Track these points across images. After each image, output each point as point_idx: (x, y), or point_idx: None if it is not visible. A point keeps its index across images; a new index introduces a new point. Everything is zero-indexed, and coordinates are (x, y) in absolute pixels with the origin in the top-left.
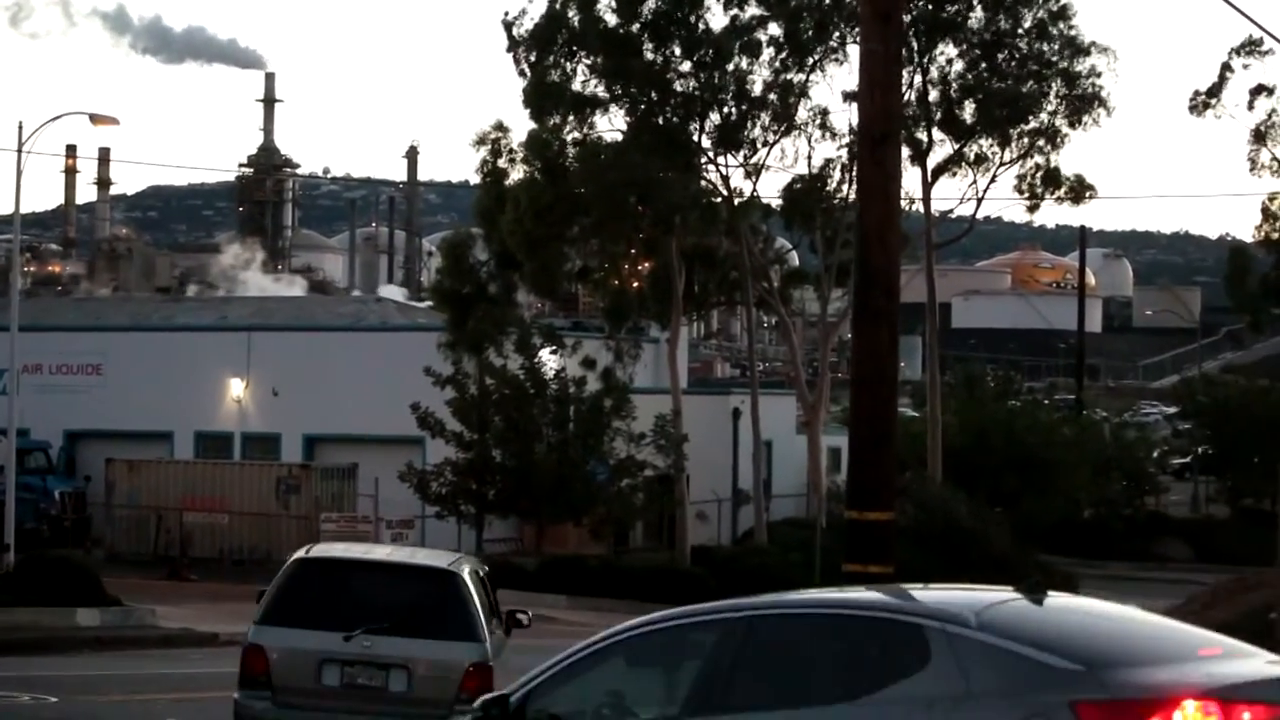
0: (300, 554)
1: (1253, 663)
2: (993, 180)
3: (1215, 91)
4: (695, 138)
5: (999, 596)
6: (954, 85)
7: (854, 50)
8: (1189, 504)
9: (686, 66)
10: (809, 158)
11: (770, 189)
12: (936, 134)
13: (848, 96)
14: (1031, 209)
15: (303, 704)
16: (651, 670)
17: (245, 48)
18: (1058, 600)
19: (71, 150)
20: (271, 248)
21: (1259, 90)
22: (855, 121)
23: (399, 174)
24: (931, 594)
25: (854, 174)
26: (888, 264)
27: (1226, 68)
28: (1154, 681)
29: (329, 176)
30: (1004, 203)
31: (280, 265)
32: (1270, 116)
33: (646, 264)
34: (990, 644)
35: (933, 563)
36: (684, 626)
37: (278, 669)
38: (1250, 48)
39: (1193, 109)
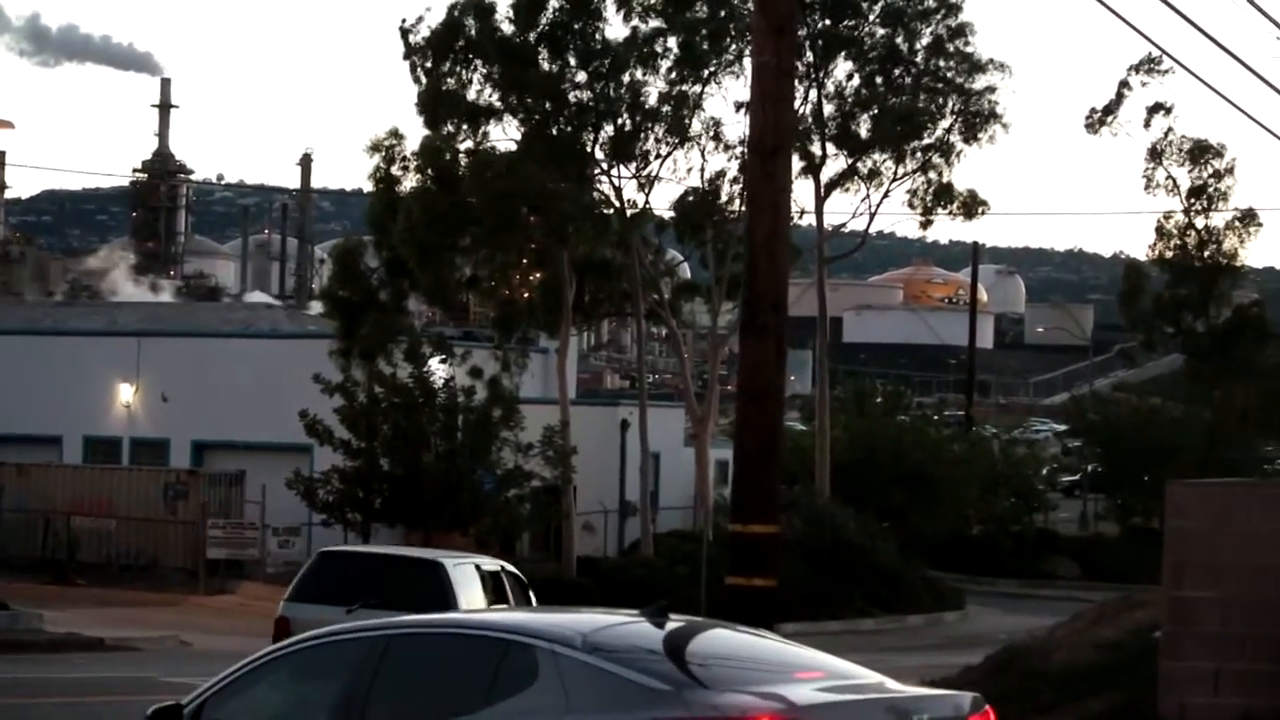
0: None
1: (846, 686)
2: (886, 195)
3: (1112, 109)
4: (589, 149)
5: (617, 620)
6: (849, 100)
7: (750, 63)
8: (1078, 522)
9: (582, 77)
10: (702, 170)
11: (663, 201)
12: (831, 148)
13: (740, 107)
14: (924, 224)
15: None
16: (312, 684)
17: (141, 52)
18: (677, 624)
19: None
20: (165, 253)
21: (1156, 108)
22: (748, 134)
23: (293, 181)
24: (553, 616)
25: (745, 187)
26: (776, 277)
27: (1124, 85)
28: (734, 702)
29: (223, 183)
30: (897, 217)
31: (172, 272)
32: (1166, 135)
33: (537, 274)
34: (592, 665)
35: (819, 577)
36: (339, 643)
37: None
38: (1149, 66)
39: (1089, 126)
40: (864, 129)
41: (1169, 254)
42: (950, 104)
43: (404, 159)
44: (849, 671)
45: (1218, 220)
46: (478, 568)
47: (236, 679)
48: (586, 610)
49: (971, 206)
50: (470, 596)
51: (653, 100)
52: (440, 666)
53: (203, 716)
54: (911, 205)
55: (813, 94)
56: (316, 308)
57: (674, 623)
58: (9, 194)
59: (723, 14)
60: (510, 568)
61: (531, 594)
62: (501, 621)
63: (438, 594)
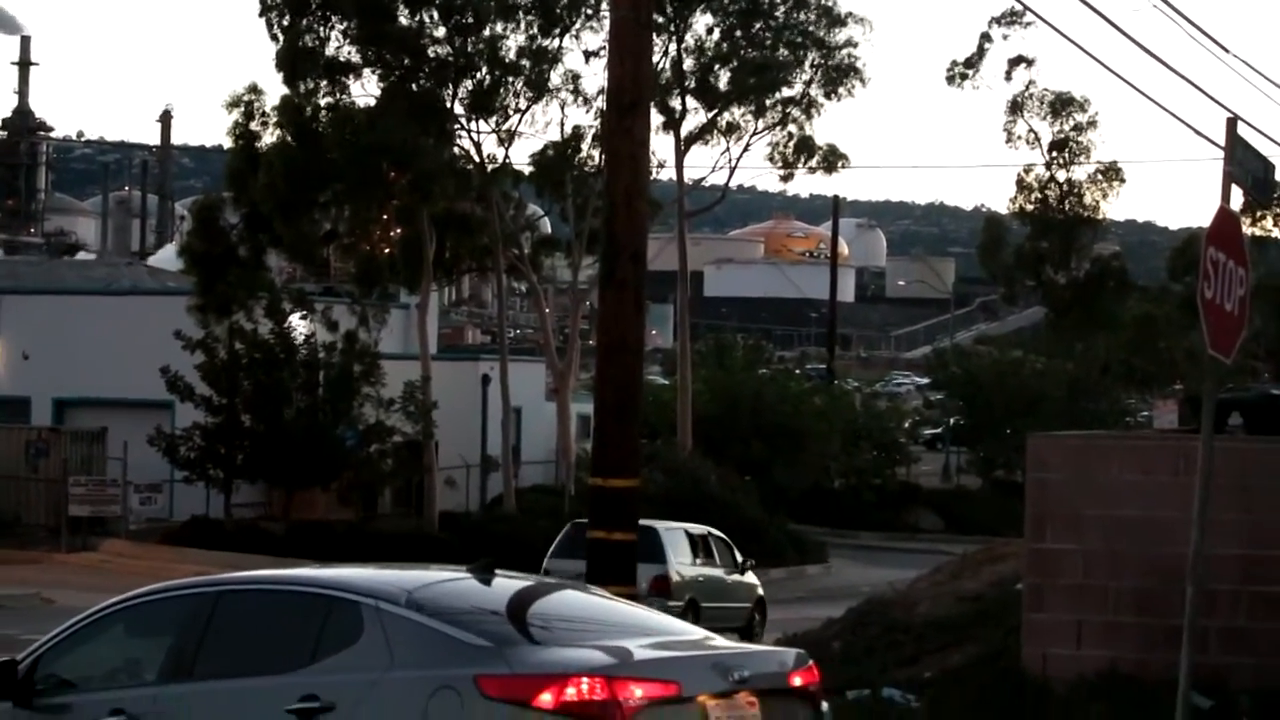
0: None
1: (674, 643)
2: (746, 149)
3: (973, 62)
4: (449, 104)
5: (443, 576)
6: (709, 53)
7: (608, 17)
8: (941, 475)
9: (442, 32)
10: (562, 124)
11: (523, 156)
12: (690, 102)
13: (592, 58)
14: (785, 178)
15: None
16: (145, 639)
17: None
18: (504, 581)
19: None
20: (25, 211)
21: (1017, 61)
22: (606, 88)
23: (153, 137)
24: (379, 573)
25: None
26: (635, 231)
27: (985, 38)
28: (554, 659)
29: (83, 140)
30: (757, 171)
31: (33, 229)
32: (1028, 88)
33: (398, 230)
34: (414, 620)
35: None
36: (171, 598)
37: None
38: (1010, 18)
39: (950, 79)
40: (724, 83)
41: (1030, 207)
42: (810, 58)
43: (264, 115)
44: (679, 630)
45: (1080, 174)
46: (686, 532)
47: (72, 634)
48: (414, 567)
49: (832, 160)
50: (680, 555)
51: (512, 55)
52: (268, 622)
53: (37, 672)
54: (772, 159)
55: (672, 47)
56: (174, 262)
57: (503, 579)
58: None
59: None
60: (715, 532)
61: (737, 553)
62: (327, 578)
63: (655, 554)
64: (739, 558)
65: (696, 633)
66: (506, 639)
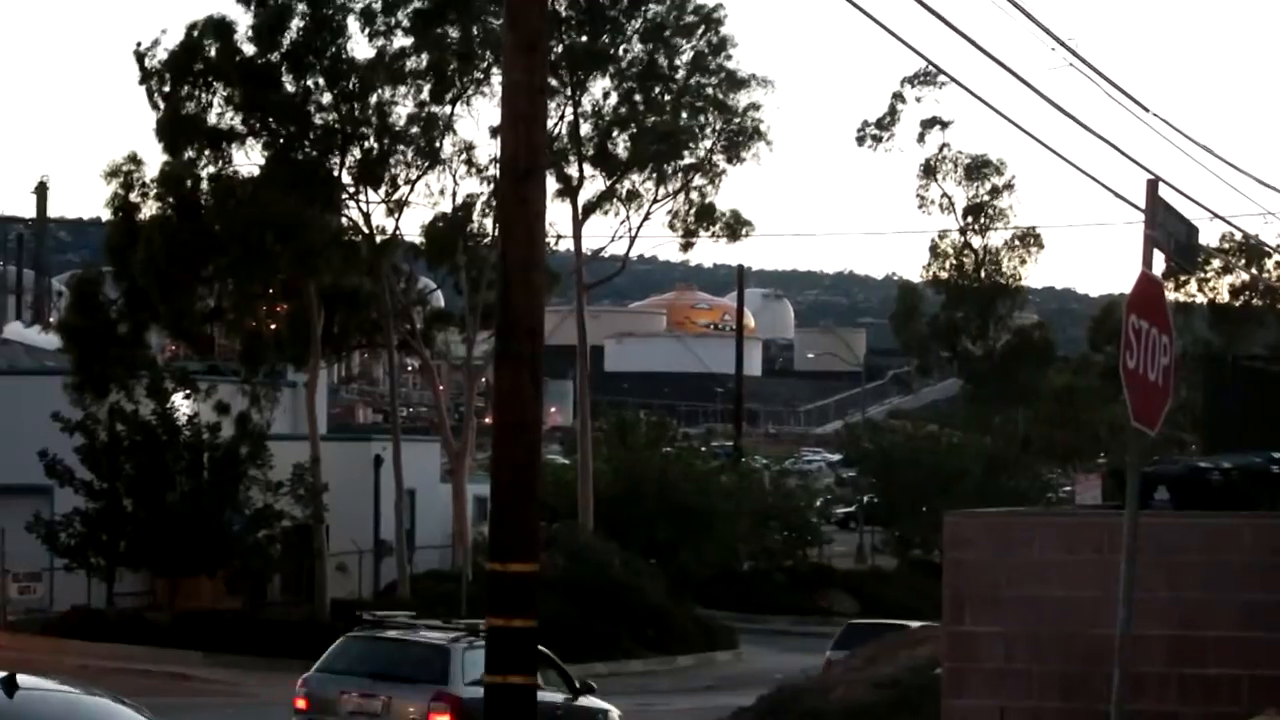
0: None
1: None
2: (647, 217)
3: (885, 123)
4: (336, 173)
5: None
6: (607, 119)
7: (501, 81)
8: (855, 555)
9: (328, 99)
10: (454, 194)
11: (414, 227)
12: (588, 169)
13: (494, 132)
14: (686, 246)
15: None
16: None
17: None
18: (28, 691)
19: None
20: None
21: (931, 123)
22: (500, 155)
23: (28, 210)
24: None
25: (498, 211)
26: (531, 305)
27: (898, 98)
28: None
29: None
30: (658, 240)
31: None
32: (941, 150)
33: (284, 305)
34: None
35: (584, 617)
36: None
37: None
38: (924, 78)
39: (860, 140)
40: (622, 149)
41: (944, 275)
42: (712, 122)
43: (144, 185)
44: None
45: (996, 240)
46: None
47: None
48: None
49: (735, 228)
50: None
51: (402, 122)
52: None
53: None
54: (673, 227)
55: (569, 112)
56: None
57: (26, 691)
58: None
59: (474, 31)
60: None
61: (571, 676)
62: None
63: (439, 673)
64: (576, 682)
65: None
66: None
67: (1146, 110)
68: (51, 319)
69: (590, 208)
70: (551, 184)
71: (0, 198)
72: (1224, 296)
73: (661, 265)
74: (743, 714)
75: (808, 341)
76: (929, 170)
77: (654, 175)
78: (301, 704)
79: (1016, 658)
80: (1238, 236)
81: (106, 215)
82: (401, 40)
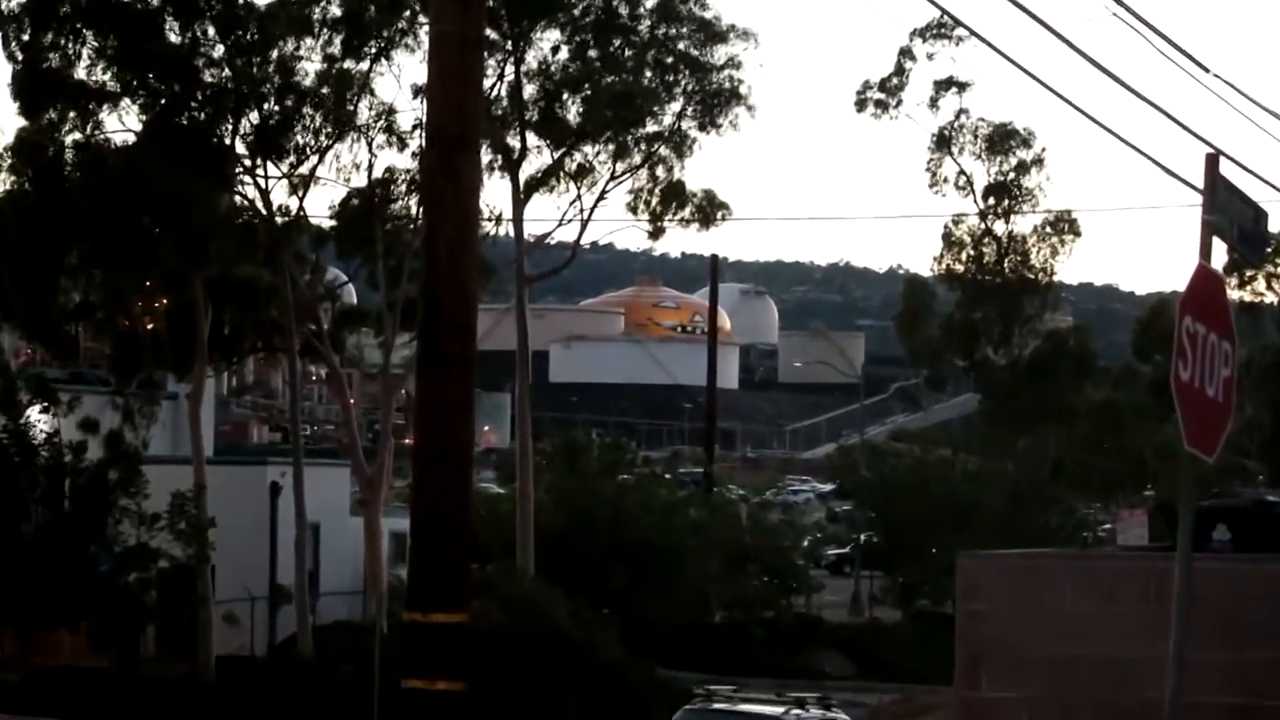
0: None
1: None
2: (602, 197)
3: (892, 86)
4: (229, 141)
5: None
6: (556, 78)
7: (428, 33)
8: (849, 606)
9: (220, 51)
10: (370, 167)
11: (322, 207)
12: (532, 138)
13: (418, 92)
14: (652, 234)
15: None
16: None
17: None
18: None
19: None
20: None
21: (946, 84)
22: (425, 121)
23: None
24: None
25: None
26: (462, 300)
27: (906, 55)
28: None
29: None
30: (615, 225)
31: None
32: (958, 118)
33: (164, 301)
34: None
35: (522, 678)
36: None
37: None
38: (937, 30)
39: (861, 105)
40: (573, 114)
41: (960, 268)
42: (683, 82)
43: None
44: None
45: (1024, 226)
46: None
47: None
48: None
49: (709, 211)
50: None
51: (308, 80)
52: None
53: None
54: (634, 210)
55: (509, 71)
56: None
57: None
58: None
59: None
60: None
61: None
62: None
63: None
64: None
65: None
66: None
67: (1206, 71)
68: None
69: (534, 185)
70: (487, 156)
71: None
72: None
73: (619, 255)
74: None
75: (794, 347)
76: (943, 141)
77: (611, 146)
78: None
79: None
80: None
81: None
82: None
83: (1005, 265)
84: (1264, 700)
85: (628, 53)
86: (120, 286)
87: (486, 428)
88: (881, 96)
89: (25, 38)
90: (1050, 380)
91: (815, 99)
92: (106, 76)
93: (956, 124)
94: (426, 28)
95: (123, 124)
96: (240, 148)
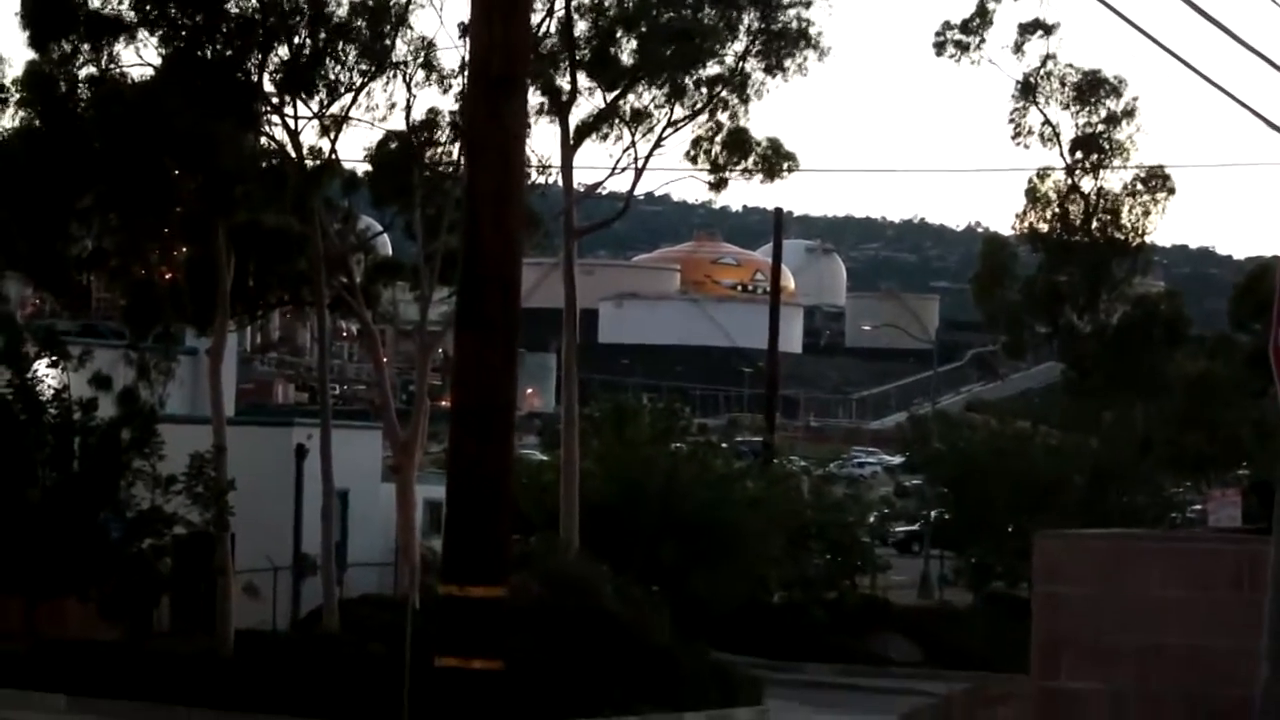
0: None
1: None
2: (658, 144)
3: (973, 27)
4: (255, 78)
5: None
6: (610, 14)
7: None
8: (918, 587)
9: None
10: (408, 108)
11: (356, 151)
12: (583, 80)
13: (463, 28)
14: (713, 185)
15: None
16: None
17: None
18: None
19: None
20: None
21: (1032, 27)
22: (468, 59)
23: None
24: None
25: (465, 130)
26: (504, 252)
27: None
28: None
29: None
30: (672, 175)
31: None
32: (1044, 64)
33: (185, 249)
34: None
35: (564, 659)
36: None
37: None
38: None
39: (940, 48)
40: (628, 54)
41: (1044, 227)
42: (747, 20)
43: (3, 88)
44: None
45: (1113, 182)
46: None
47: None
48: None
49: (774, 162)
50: None
51: (342, 11)
52: None
53: None
54: (694, 159)
55: (560, 5)
56: None
57: None
58: None
59: None
60: None
61: None
62: None
63: None
64: None
65: None
66: None
67: None
68: None
69: (585, 130)
70: (535, 98)
71: None
72: None
73: (676, 207)
74: None
75: (863, 309)
76: (1027, 89)
77: (668, 89)
78: None
79: None
80: None
81: None
82: None
83: (1093, 224)
84: None
85: None
86: (136, 232)
87: (530, 390)
88: (962, 38)
89: None
90: (1139, 349)
91: (890, 43)
92: (123, 6)
93: (1042, 70)
94: None
95: (140, 58)
96: (268, 85)
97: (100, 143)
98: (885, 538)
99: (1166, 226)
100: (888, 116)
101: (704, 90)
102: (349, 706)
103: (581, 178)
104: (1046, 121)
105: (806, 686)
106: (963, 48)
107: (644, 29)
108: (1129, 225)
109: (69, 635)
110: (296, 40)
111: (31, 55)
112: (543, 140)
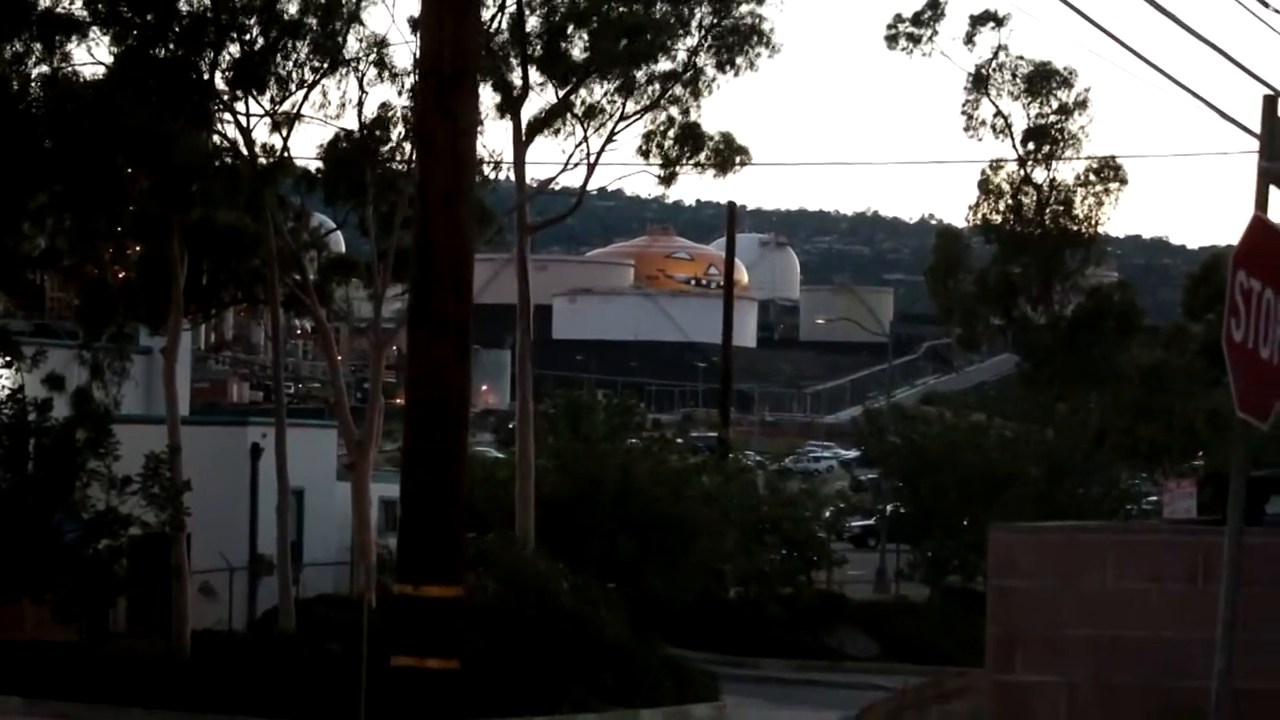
0: None
1: None
2: (610, 139)
3: (925, 19)
4: (207, 75)
5: None
6: (561, 9)
7: None
8: (874, 582)
9: None
10: (360, 105)
11: (309, 147)
12: (535, 75)
13: (414, 24)
14: (664, 180)
15: None
16: None
17: None
18: None
19: None
20: None
21: (984, 19)
22: (419, 56)
23: None
24: None
25: (416, 127)
26: (457, 248)
27: None
28: None
29: None
30: (626, 170)
31: None
32: (996, 55)
33: (138, 248)
34: None
35: (521, 657)
36: None
37: None
38: None
39: (891, 40)
40: (580, 49)
41: (997, 218)
42: (699, 15)
43: None
44: None
45: (1066, 173)
46: None
47: None
48: None
49: (726, 156)
50: None
51: (293, 8)
52: None
53: None
54: (645, 154)
55: (510, 1)
56: None
57: None
58: None
59: None
60: None
61: None
62: None
63: None
64: None
65: None
66: None
67: (1266, 5)
68: None
69: (537, 126)
70: (487, 94)
71: None
72: None
73: (628, 202)
74: None
75: (817, 303)
76: (979, 81)
77: (620, 84)
78: None
79: (1082, 715)
80: None
81: None
82: None
83: (1046, 216)
84: None
85: None
86: (90, 231)
87: (484, 387)
88: (914, 30)
89: None
90: (1093, 340)
91: (842, 36)
92: (75, 5)
93: (994, 62)
94: None
95: (93, 56)
96: (220, 83)
97: (53, 141)
98: (841, 532)
99: (1120, 217)
100: (840, 110)
101: (656, 85)
102: (306, 707)
103: (534, 173)
104: (999, 113)
105: (763, 682)
106: (915, 40)
107: (595, 24)
108: (1082, 216)
109: (24, 637)
110: (248, 38)
111: None
112: (495, 136)
